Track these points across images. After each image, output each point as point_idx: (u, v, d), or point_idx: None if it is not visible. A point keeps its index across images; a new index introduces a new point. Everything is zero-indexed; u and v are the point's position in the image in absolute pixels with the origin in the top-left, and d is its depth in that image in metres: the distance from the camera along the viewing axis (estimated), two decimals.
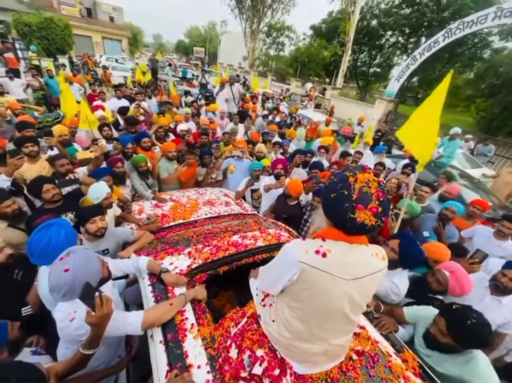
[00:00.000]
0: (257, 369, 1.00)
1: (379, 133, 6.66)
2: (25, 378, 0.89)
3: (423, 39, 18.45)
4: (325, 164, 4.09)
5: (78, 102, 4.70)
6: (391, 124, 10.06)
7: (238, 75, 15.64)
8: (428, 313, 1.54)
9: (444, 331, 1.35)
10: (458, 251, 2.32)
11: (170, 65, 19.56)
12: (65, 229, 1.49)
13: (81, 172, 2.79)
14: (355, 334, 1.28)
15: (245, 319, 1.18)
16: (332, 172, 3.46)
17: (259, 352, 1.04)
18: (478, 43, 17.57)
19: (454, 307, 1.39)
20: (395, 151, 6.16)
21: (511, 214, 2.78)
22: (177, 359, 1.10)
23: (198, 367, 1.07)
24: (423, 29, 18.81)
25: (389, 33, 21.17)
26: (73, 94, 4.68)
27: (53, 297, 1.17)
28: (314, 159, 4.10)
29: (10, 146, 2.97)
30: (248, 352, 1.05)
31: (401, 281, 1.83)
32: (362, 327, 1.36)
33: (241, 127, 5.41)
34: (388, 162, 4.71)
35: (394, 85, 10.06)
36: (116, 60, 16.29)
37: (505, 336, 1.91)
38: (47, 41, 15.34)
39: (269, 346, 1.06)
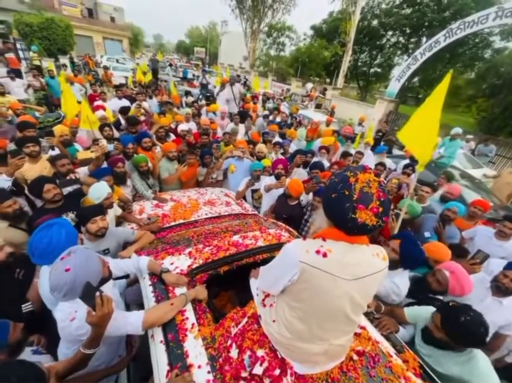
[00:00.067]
0: (258, 370, 1.00)
1: (380, 133, 6.66)
2: (25, 377, 0.89)
3: (424, 39, 18.45)
4: (326, 164, 4.09)
5: (79, 102, 4.71)
6: (392, 124, 10.05)
7: (238, 75, 15.63)
8: (428, 313, 1.54)
9: (438, 326, 1.37)
10: (459, 251, 2.31)
11: (170, 65, 19.60)
12: (66, 229, 1.49)
13: (82, 172, 2.79)
14: (355, 334, 1.27)
15: (245, 320, 1.18)
16: (333, 172, 3.46)
17: (260, 353, 1.04)
18: (479, 43, 17.55)
19: (451, 304, 1.40)
20: (395, 152, 6.16)
21: None
22: (178, 359, 1.10)
23: (199, 367, 1.07)
24: (424, 29, 18.80)
25: (390, 33, 21.17)
26: (74, 94, 4.70)
27: (54, 296, 1.17)
28: (315, 159, 4.10)
29: (12, 146, 2.98)
30: (248, 352, 1.05)
31: (401, 281, 1.82)
32: (363, 328, 1.36)
33: (241, 128, 5.41)
34: (388, 162, 4.71)
35: (394, 86, 10.06)
36: (117, 61, 16.31)
37: (506, 337, 1.90)
38: (48, 42, 15.37)
39: (269, 346, 1.06)
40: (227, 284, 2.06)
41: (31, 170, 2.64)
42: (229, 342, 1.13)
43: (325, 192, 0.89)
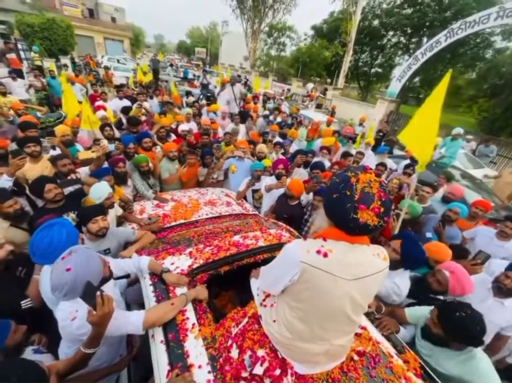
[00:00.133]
0: (258, 370, 1.00)
1: (381, 134, 6.65)
2: (26, 375, 0.90)
3: (425, 39, 18.43)
4: (327, 164, 4.09)
5: (80, 102, 4.72)
6: (392, 124, 10.04)
7: (239, 76, 15.64)
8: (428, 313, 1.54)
9: (435, 321, 1.39)
10: (459, 252, 2.30)
11: (171, 65, 19.61)
12: (67, 229, 1.50)
13: (83, 172, 2.80)
14: (356, 334, 1.27)
15: (246, 320, 1.18)
16: (334, 172, 3.46)
17: (260, 353, 1.04)
18: (480, 43, 17.51)
19: (449, 301, 1.43)
20: (396, 152, 6.15)
21: None
22: (178, 359, 1.10)
23: (199, 367, 1.07)
24: (425, 29, 18.79)
25: (391, 33, 21.16)
26: (74, 94, 4.71)
27: (55, 296, 1.17)
28: (316, 159, 4.10)
29: (13, 146, 2.99)
30: (249, 353, 1.05)
31: (402, 281, 1.82)
32: (363, 328, 1.36)
33: (242, 128, 5.41)
34: (390, 162, 4.70)
35: (395, 86, 10.04)
36: (118, 61, 16.34)
37: (508, 339, 1.89)
38: (49, 42, 15.40)
39: (270, 346, 1.06)
40: (228, 284, 2.06)
41: (32, 170, 2.65)
42: (230, 342, 1.13)
43: (327, 192, 0.89)
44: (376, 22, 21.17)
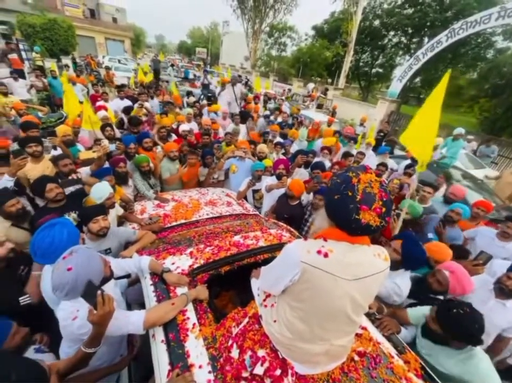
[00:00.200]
0: (259, 370, 1.00)
1: (381, 134, 6.63)
2: (27, 374, 0.90)
3: (426, 39, 18.38)
4: (328, 164, 4.08)
5: (81, 102, 4.74)
6: (393, 124, 10.02)
7: (240, 76, 15.68)
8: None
9: (434, 317, 1.40)
10: (460, 252, 2.30)
11: (172, 65, 19.63)
12: (68, 229, 1.50)
13: (84, 172, 2.80)
14: (357, 335, 1.27)
15: (246, 320, 1.19)
16: (334, 172, 3.46)
17: (261, 353, 1.05)
18: (482, 43, 17.46)
19: (449, 298, 1.44)
20: (397, 152, 6.14)
21: None
22: (179, 359, 1.10)
23: (200, 367, 1.07)
24: (426, 29, 18.75)
25: (391, 33, 21.12)
26: (76, 94, 4.73)
27: (56, 295, 1.18)
28: (316, 159, 4.09)
29: (15, 146, 3.00)
30: (249, 353, 1.05)
31: (402, 282, 1.82)
32: (364, 328, 1.35)
33: (242, 128, 5.41)
34: (391, 163, 4.69)
35: (396, 86, 10.03)
36: (119, 61, 16.38)
37: (509, 340, 1.88)
38: (50, 42, 15.43)
39: (270, 346, 1.06)
40: (228, 284, 2.06)
41: (33, 170, 2.66)
42: (230, 342, 1.13)
43: (328, 193, 0.89)
44: (376, 22, 21.15)
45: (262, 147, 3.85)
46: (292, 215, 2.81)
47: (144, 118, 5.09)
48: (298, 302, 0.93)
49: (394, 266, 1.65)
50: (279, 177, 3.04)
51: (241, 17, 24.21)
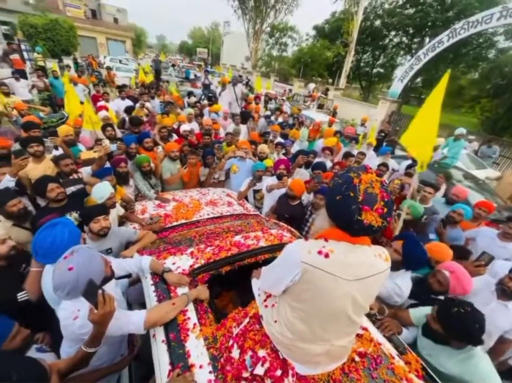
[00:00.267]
0: (259, 370, 1.00)
1: (382, 134, 6.62)
2: (27, 373, 0.90)
3: (427, 39, 18.34)
4: (329, 164, 4.08)
5: (82, 103, 4.75)
6: (394, 124, 10.01)
7: (240, 76, 15.68)
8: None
9: (435, 316, 1.40)
10: (461, 253, 2.29)
11: (173, 65, 19.67)
12: (69, 228, 1.50)
13: (85, 171, 2.81)
14: (357, 335, 1.27)
15: (247, 320, 1.19)
16: (335, 172, 3.45)
17: (261, 353, 1.05)
18: (483, 43, 17.40)
19: (450, 298, 1.45)
20: (398, 152, 6.12)
21: None
22: (179, 359, 1.10)
23: (200, 367, 1.07)
24: (427, 29, 18.70)
25: (392, 33, 21.07)
26: (77, 95, 4.74)
27: (57, 295, 1.18)
28: (317, 159, 4.09)
29: (16, 146, 3.01)
30: (250, 353, 1.06)
31: (403, 282, 1.81)
32: (365, 329, 1.35)
33: (243, 128, 5.41)
34: (392, 163, 4.68)
35: (397, 86, 10.02)
36: (120, 61, 16.41)
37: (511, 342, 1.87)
38: (52, 43, 15.49)
39: (271, 347, 1.06)
40: (229, 285, 2.07)
41: (34, 170, 2.66)
42: (231, 342, 1.13)
43: (329, 194, 0.89)
44: (377, 22, 21.11)
45: (262, 147, 3.85)
46: (293, 215, 2.81)
47: (145, 119, 5.10)
48: (299, 302, 0.93)
49: (395, 266, 1.64)
50: (279, 177, 3.04)
51: (242, 17, 24.22)
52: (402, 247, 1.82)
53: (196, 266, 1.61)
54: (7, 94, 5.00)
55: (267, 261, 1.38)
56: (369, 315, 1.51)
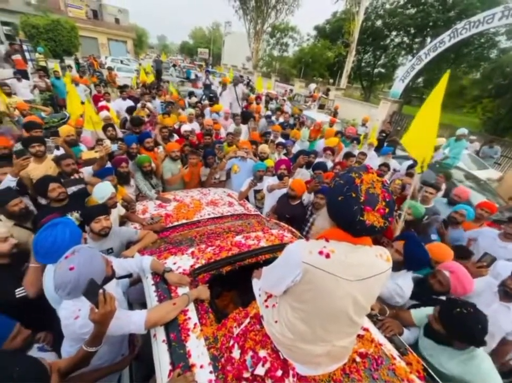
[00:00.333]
0: (260, 370, 1.00)
1: (383, 134, 6.62)
2: (27, 372, 0.90)
3: (428, 39, 18.29)
4: (330, 165, 4.07)
5: (83, 103, 4.76)
6: (395, 125, 9.99)
7: (241, 76, 15.68)
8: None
9: (436, 317, 1.40)
10: (462, 253, 2.28)
11: (174, 66, 19.71)
12: (70, 228, 1.50)
13: (86, 171, 2.82)
14: (358, 336, 1.27)
15: (247, 320, 1.18)
16: (336, 173, 3.45)
17: (262, 353, 1.04)
18: (485, 43, 17.34)
19: (453, 298, 1.44)
20: (399, 152, 6.11)
21: None
22: (180, 359, 1.10)
23: (201, 367, 1.07)
24: (428, 29, 18.65)
25: (394, 33, 21.03)
26: (78, 95, 4.75)
27: (58, 295, 1.18)
28: (319, 160, 4.09)
29: (18, 146, 3.02)
30: (250, 353, 1.05)
31: (405, 282, 1.80)
32: (366, 330, 1.35)
33: (244, 128, 5.42)
34: (394, 163, 4.67)
35: (398, 86, 10.00)
36: (121, 62, 16.46)
37: None
38: (53, 43, 15.56)
39: (271, 347, 1.06)
40: (229, 285, 2.06)
41: (36, 170, 2.67)
42: (231, 342, 1.13)
43: (331, 194, 0.88)
44: (379, 22, 21.08)
45: (263, 147, 3.85)
46: (293, 215, 2.81)
47: (146, 119, 5.11)
48: (300, 303, 0.93)
49: (396, 267, 1.64)
50: (280, 177, 3.04)
51: (243, 17, 24.22)
52: (403, 247, 1.81)
53: (196, 266, 1.61)
54: (9, 94, 5.01)
55: (268, 262, 1.38)
56: (370, 316, 1.51)
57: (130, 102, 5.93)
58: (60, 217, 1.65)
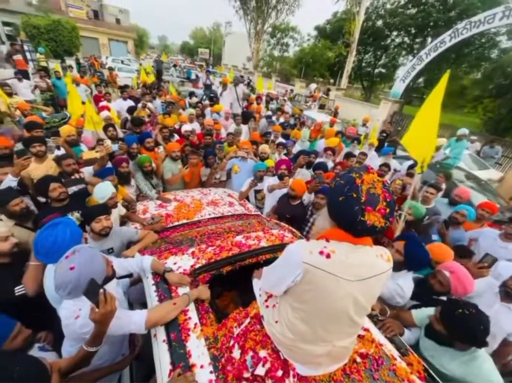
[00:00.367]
0: (260, 370, 1.00)
1: (384, 134, 6.61)
2: (28, 372, 0.90)
3: (429, 39, 18.27)
4: (331, 165, 4.07)
5: (84, 103, 4.77)
6: (396, 125, 9.98)
7: (242, 76, 15.70)
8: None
9: (438, 317, 1.39)
10: (463, 252, 2.28)
11: (175, 66, 19.73)
12: (70, 228, 1.50)
13: (87, 171, 2.82)
14: (359, 336, 1.26)
15: (248, 320, 1.18)
16: (337, 173, 3.44)
17: (262, 353, 1.04)
18: (486, 43, 17.31)
19: (454, 299, 1.44)
20: (399, 152, 6.11)
21: None
22: (180, 359, 1.10)
23: (201, 367, 1.07)
24: (429, 29, 18.62)
25: (394, 33, 21.00)
26: (79, 95, 4.76)
27: (59, 294, 1.18)
28: (319, 160, 4.08)
29: (19, 146, 3.03)
30: (251, 353, 1.05)
31: (405, 283, 1.80)
32: (366, 330, 1.35)
33: (244, 128, 5.42)
34: (394, 163, 4.66)
35: (399, 86, 9.98)
36: (122, 62, 16.48)
37: None
38: (54, 43, 15.57)
39: (272, 347, 1.06)
40: (230, 285, 2.06)
41: (37, 169, 2.68)
42: (232, 342, 1.13)
43: (332, 195, 0.88)
44: (379, 22, 21.05)
45: (264, 147, 3.85)
46: (294, 215, 2.81)
47: (147, 119, 5.12)
48: (300, 303, 0.93)
49: (397, 267, 1.64)
50: (281, 177, 3.04)
51: (243, 17, 24.23)
52: (404, 247, 1.81)
53: (197, 266, 1.61)
54: (10, 94, 5.03)
55: (268, 262, 1.38)
56: (370, 316, 1.50)
57: (130, 103, 5.93)
58: (61, 217, 1.65)
